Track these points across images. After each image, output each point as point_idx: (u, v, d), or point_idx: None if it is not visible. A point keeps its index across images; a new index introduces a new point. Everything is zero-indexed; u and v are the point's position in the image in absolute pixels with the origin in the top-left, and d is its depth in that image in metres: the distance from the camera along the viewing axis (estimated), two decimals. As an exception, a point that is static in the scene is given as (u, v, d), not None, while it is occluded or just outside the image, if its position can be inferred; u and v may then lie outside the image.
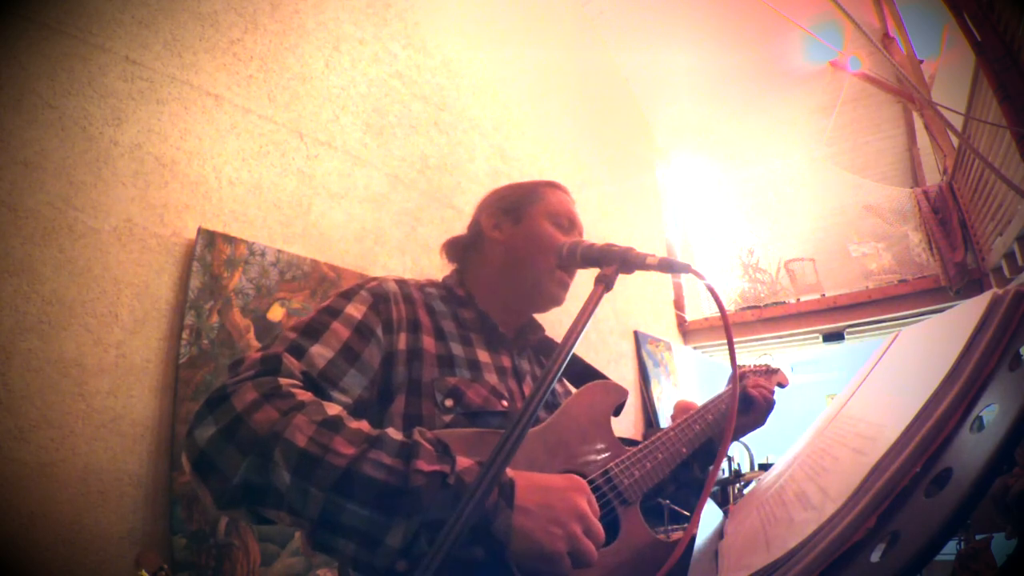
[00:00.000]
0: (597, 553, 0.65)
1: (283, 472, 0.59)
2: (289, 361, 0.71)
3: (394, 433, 0.65)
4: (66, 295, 1.71)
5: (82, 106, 1.84)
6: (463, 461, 0.64)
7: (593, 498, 0.69)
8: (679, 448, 0.96)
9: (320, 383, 0.73)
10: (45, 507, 1.56)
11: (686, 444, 0.98)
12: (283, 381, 0.67)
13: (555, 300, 1.00)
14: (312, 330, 0.78)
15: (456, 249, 1.08)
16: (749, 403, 1.15)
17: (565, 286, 1.00)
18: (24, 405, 1.58)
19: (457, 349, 0.89)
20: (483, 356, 0.93)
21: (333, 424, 0.63)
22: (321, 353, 0.75)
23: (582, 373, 1.05)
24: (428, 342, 0.87)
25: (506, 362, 0.96)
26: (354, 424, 0.65)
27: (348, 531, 0.59)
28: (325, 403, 0.66)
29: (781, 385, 1.28)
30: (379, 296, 0.86)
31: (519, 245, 0.98)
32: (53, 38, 1.79)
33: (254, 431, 0.60)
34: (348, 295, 0.85)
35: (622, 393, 0.95)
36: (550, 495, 0.65)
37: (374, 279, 0.91)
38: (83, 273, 1.76)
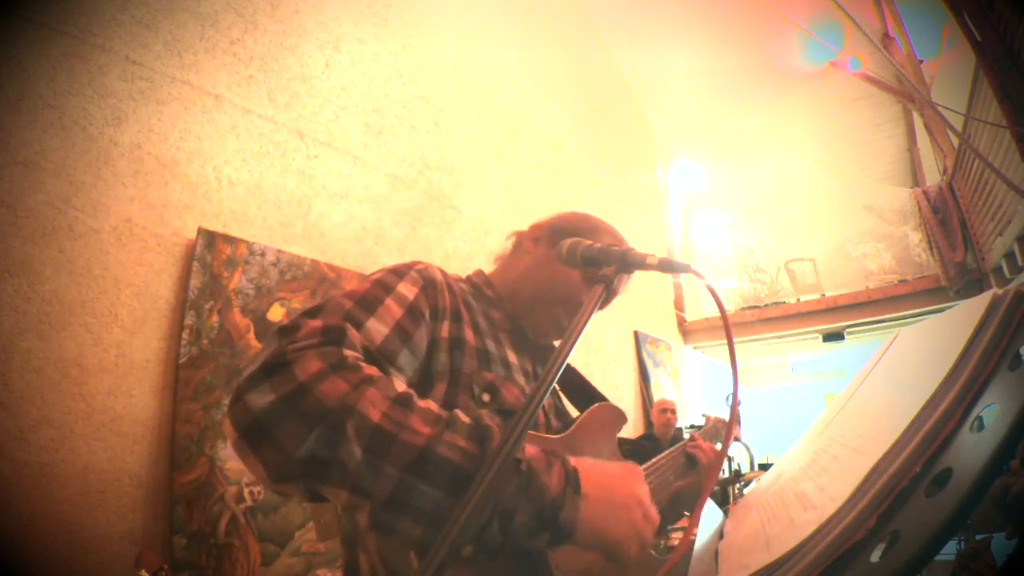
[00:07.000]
0: (652, 537, 0.67)
1: (354, 447, 0.56)
2: (352, 333, 0.68)
3: (462, 416, 0.63)
4: (66, 295, 1.71)
5: (82, 106, 1.84)
6: (530, 449, 0.65)
7: (647, 485, 0.71)
8: (669, 477, 1.03)
9: (379, 359, 0.70)
10: (45, 507, 1.56)
11: (674, 474, 1.05)
12: (348, 353, 0.63)
13: (542, 335, 1.00)
14: (367, 303, 0.74)
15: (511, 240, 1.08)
16: (694, 463, 1.16)
17: (560, 328, 0.98)
18: (24, 405, 1.58)
19: (491, 346, 0.90)
20: (512, 357, 0.93)
21: (405, 401, 0.61)
22: (378, 328, 0.73)
23: (582, 389, 1.07)
24: (468, 334, 0.87)
25: (529, 366, 0.97)
26: (423, 403, 0.63)
27: (417, 513, 0.57)
28: (393, 380, 0.64)
29: (737, 439, 1.32)
30: (428, 280, 0.85)
31: (537, 267, 0.98)
32: (53, 38, 1.78)
33: (322, 402, 0.57)
34: (399, 273, 0.83)
35: (625, 418, 1.01)
36: (612, 482, 0.67)
37: (420, 262, 0.89)
38: (83, 273, 1.76)
